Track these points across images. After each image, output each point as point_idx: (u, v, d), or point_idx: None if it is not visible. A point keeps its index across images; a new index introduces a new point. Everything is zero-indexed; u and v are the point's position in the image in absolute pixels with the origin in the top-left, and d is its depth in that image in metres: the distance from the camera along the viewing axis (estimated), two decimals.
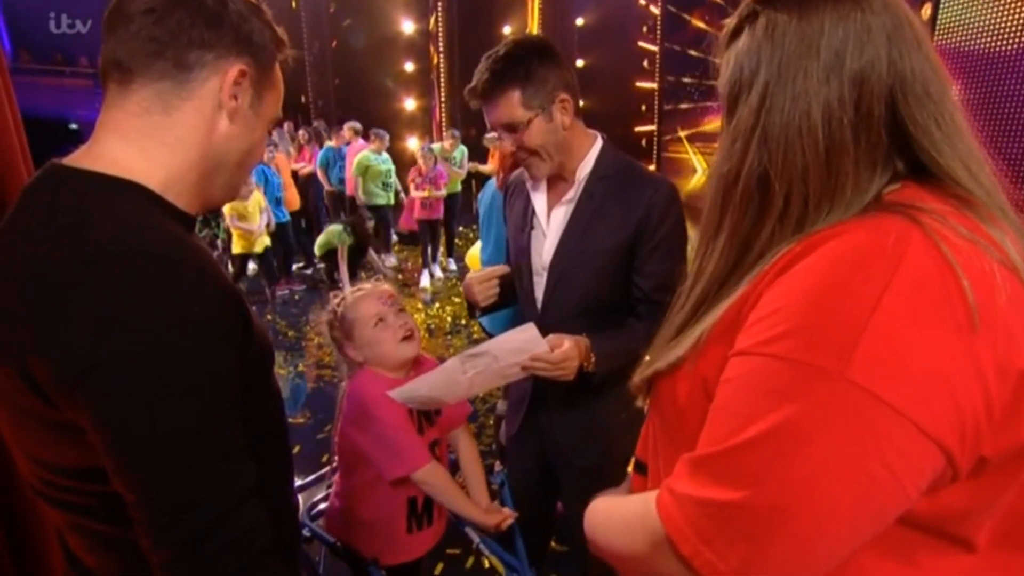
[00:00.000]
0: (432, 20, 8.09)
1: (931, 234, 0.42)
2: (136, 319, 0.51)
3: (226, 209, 4.63)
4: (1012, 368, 0.41)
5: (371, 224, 5.34)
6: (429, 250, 5.59)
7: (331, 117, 8.41)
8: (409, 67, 8.13)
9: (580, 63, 8.14)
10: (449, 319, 4.60)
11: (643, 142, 7.95)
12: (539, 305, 1.27)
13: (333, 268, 5.21)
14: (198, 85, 0.62)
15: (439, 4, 7.99)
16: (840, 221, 0.47)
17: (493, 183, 2.26)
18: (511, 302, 1.42)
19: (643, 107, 7.96)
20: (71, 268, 0.52)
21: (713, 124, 6.72)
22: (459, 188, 6.08)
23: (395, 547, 1.28)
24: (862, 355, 0.39)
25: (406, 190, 5.75)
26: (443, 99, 8.22)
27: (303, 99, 8.96)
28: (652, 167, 7.31)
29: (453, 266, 5.99)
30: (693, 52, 6.75)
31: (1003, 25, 2.60)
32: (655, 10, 7.49)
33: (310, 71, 8.88)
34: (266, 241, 4.93)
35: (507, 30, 8.46)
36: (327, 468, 1.53)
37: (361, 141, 6.02)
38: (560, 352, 1.08)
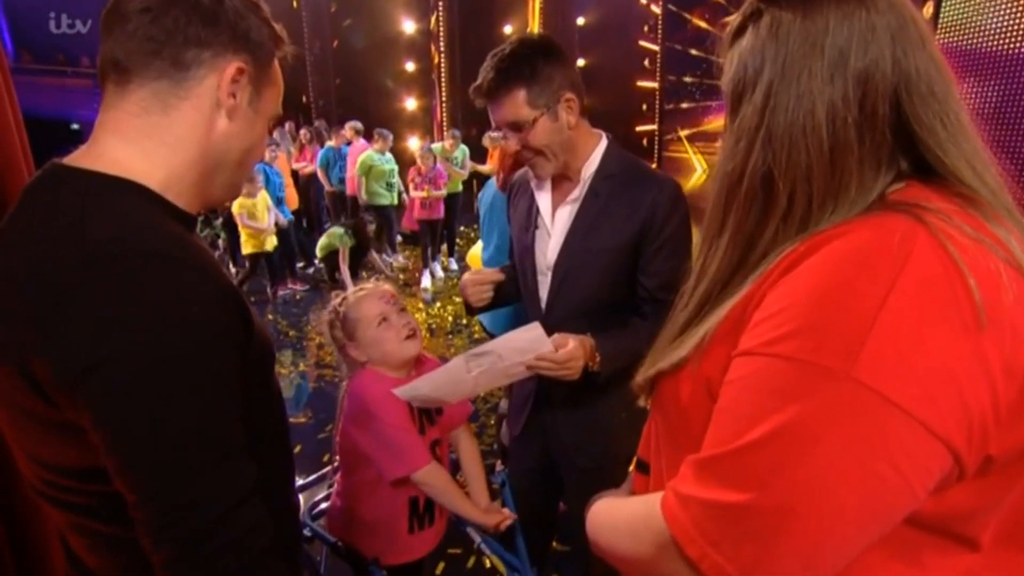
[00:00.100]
0: (433, 19, 8.09)
1: (937, 233, 0.42)
2: (137, 319, 0.51)
3: (235, 208, 4.64)
4: (1019, 367, 0.40)
5: (372, 227, 5.32)
6: (429, 250, 5.59)
7: (332, 117, 8.42)
8: (410, 67, 8.13)
9: (581, 62, 8.13)
10: (450, 319, 4.60)
11: (644, 141, 7.94)
12: (543, 304, 1.26)
13: (334, 268, 5.22)
14: (196, 83, 0.61)
15: (440, 4, 7.99)
16: (844, 220, 0.47)
17: (494, 183, 2.25)
18: (507, 302, 1.42)
19: (644, 106, 7.95)
20: (72, 268, 0.52)
21: (714, 124, 6.71)
22: (460, 188, 6.08)
23: (397, 547, 1.28)
24: (869, 355, 0.39)
25: (408, 190, 5.76)
26: (444, 99, 8.23)
27: (304, 99, 8.97)
28: (653, 166, 7.28)
29: (454, 266, 5.99)
30: (694, 51, 6.74)
31: (1005, 24, 2.60)
32: (656, 9, 7.49)
33: (311, 71, 8.89)
34: (274, 240, 4.94)
35: (508, 29, 8.46)
36: (328, 468, 1.53)
37: (362, 141, 6.02)
38: (565, 352, 1.08)
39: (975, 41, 2.72)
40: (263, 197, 4.79)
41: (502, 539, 1.37)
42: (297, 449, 2.69)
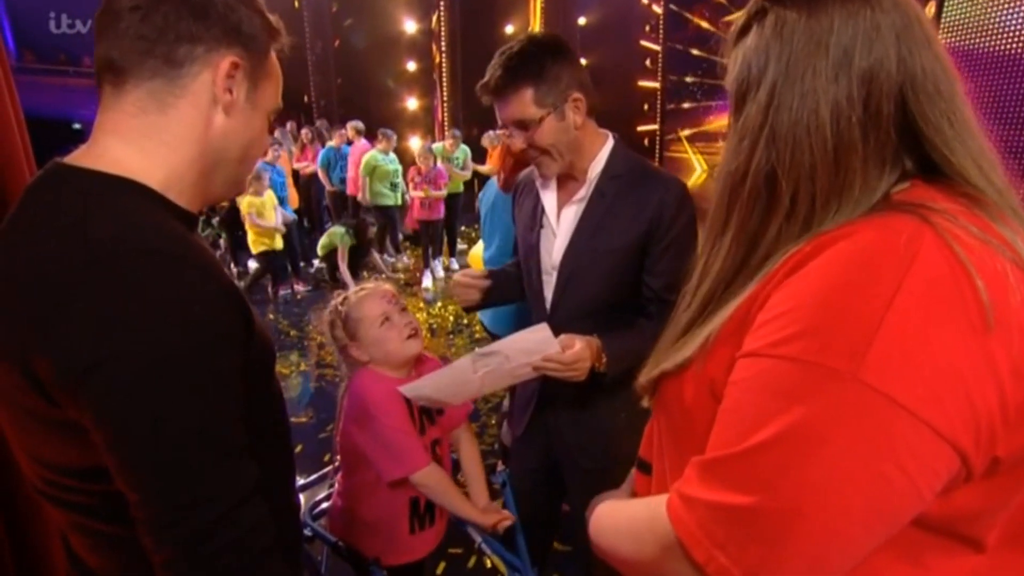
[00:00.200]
0: (434, 19, 8.10)
1: (943, 234, 0.42)
2: (138, 318, 0.51)
3: (244, 208, 4.65)
4: None
5: (374, 228, 5.32)
6: (430, 249, 5.59)
7: (334, 117, 8.43)
8: (411, 66, 8.14)
9: (583, 62, 8.10)
10: (451, 318, 4.60)
11: (645, 141, 7.93)
12: (548, 304, 1.26)
13: (335, 268, 5.22)
14: (190, 80, 0.61)
15: (441, 3, 7.99)
16: (849, 221, 0.47)
17: (495, 183, 2.25)
18: (507, 300, 1.41)
19: (645, 106, 7.94)
20: (74, 267, 0.52)
21: (715, 124, 6.71)
22: (461, 188, 6.08)
23: (397, 547, 1.28)
24: (875, 356, 0.39)
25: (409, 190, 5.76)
26: (445, 98, 8.23)
27: (306, 98, 8.98)
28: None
29: (455, 266, 5.99)
30: (696, 51, 6.74)
31: (1008, 23, 2.59)
32: (657, 9, 7.48)
33: (312, 70, 8.90)
34: (280, 239, 4.96)
35: (510, 29, 8.46)
36: (329, 467, 1.53)
37: (363, 141, 6.02)
38: (572, 353, 1.07)
39: (978, 41, 2.71)
40: (270, 196, 4.81)
41: (503, 539, 1.37)
42: (298, 449, 2.69)
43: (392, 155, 5.63)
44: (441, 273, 5.67)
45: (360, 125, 6.13)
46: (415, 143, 7.52)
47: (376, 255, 5.67)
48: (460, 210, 6.12)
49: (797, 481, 0.40)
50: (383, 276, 5.50)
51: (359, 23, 8.29)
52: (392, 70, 8.18)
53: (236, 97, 0.64)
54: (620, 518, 0.56)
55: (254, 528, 0.57)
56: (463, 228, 6.79)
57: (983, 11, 2.71)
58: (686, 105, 7.15)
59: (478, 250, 2.80)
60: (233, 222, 5.48)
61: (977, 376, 0.39)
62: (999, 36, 2.63)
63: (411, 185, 5.43)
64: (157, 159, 0.61)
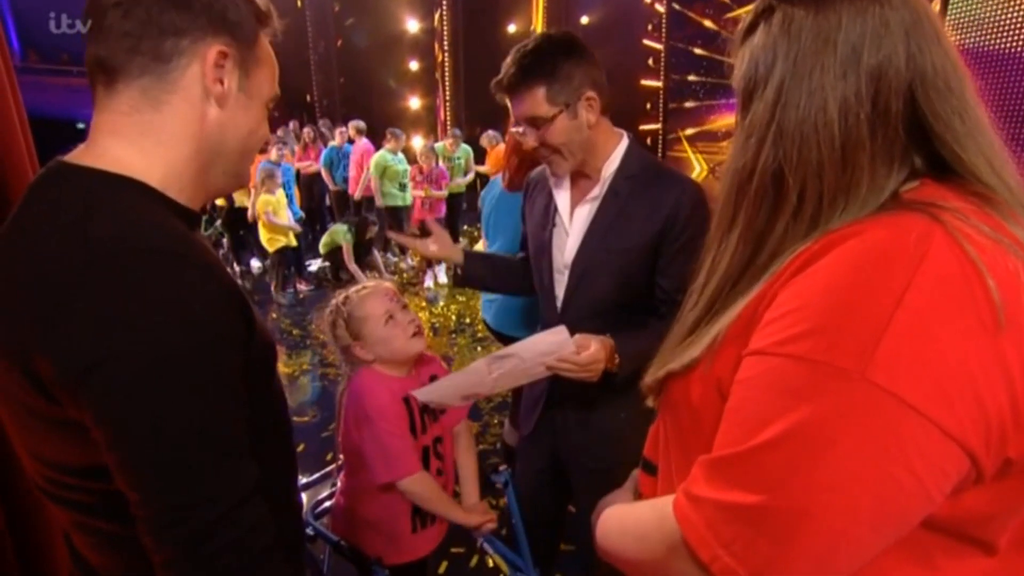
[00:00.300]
0: (437, 18, 8.10)
1: (953, 232, 0.41)
2: (139, 317, 0.51)
3: (259, 207, 4.66)
4: None
5: (375, 228, 5.32)
6: None
7: (336, 116, 8.45)
8: (414, 65, 8.14)
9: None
10: (453, 318, 4.60)
11: (648, 140, 7.92)
12: (559, 303, 1.26)
13: (337, 267, 5.23)
14: (180, 75, 0.60)
15: (443, 2, 8.00)
16: (857, 219, 0.46)
17: (498, 182, 2.24)
18: (496, 289, 1.40)
19: (648, 105, 7.93)
20: (75, 266, 0.52)
21: (718, 123, 6.71)
22: (463, 188, 6.08)
23: (400, 546, 1.28)
24: (883, 355, 0.38)
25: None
26: (448, 97, 8.23)
27: (308, 98, 8.99)
28: None
29: None
30: (698, 50, 6.73)
31: (1012, 22, 2.58)
32: (660, 8, 7.47)
33: (315, 70, 8.91)
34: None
35: (512, 28, 8.46)
36: (332, 466, 1.53)
37: (364, 140, 6.02)
38: (588, 354, 1.07)
39: (982, 39, 2.70)
40: (281, 194, 4.82)
41: (505, 538, 1.37)
42: (300, 448, 2.69)
43: (400, 155, 5.62)
44: (443, 279, 5.63)
45: (361, 124, 6.13)
46: (417, 142, 7.53)
47: (378, 254, 5.67)
48: (462, 209, 6.12)
49: (804, 481, 0.40)
50: (375, 275, 5.49)
51: (361, 22, 8.30)
52: (394, 69, 8.19)
53: (228, 87, 0.62)
54: (627, 520, 0.56)
55: (254, 528, 0.56)
56: (465, 227, 6.78)
57: (988, 9, 2.70)
58: (689, 104, 7.14)
59: (480, 249, 2.79)
60: (235, 222, 5.49)
61: (987, 376, 0.39)
62: (1004, 34, 2.62)
63: (412, 184, 5.42)
64: (155, 157, 0.60)
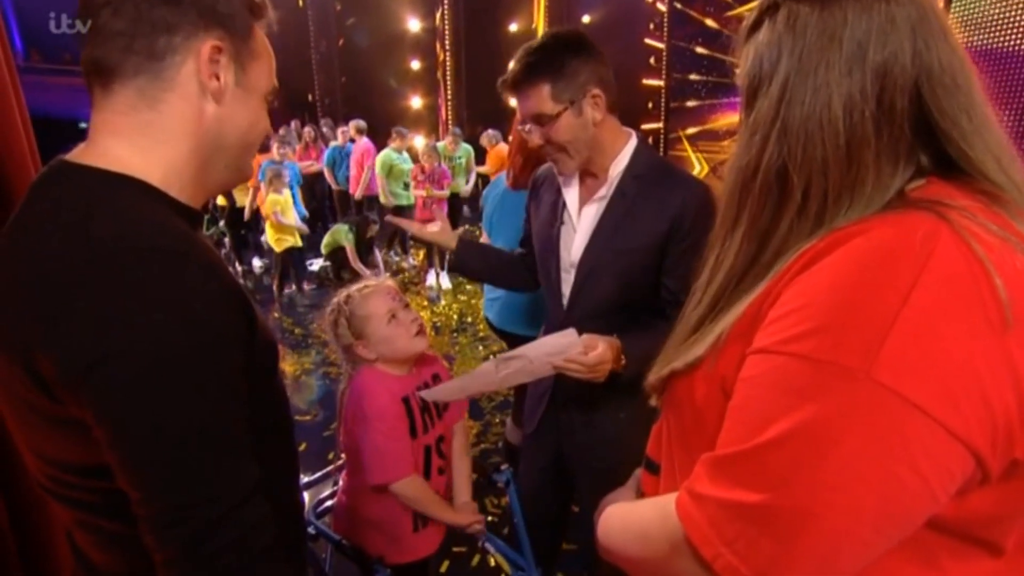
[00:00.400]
0: (438, 17, 8.10)
1: (960, 230, 0.41)
2: (140, 316, 0.51)
3: (267, 207, 4.66)
4: None
5: (375, 227, 5.31)
6: (434, 248, 5.56)
7: (337, 115, 8.45)
8: (415, 65, 8.14)
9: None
10: (455, 317, 4.60)
11: (649, 140, 7.93)
12: (565, 301, 1.26)
13: (339, 267, 5.23)
14: (175, 72, 0.59)
15: (445, 1, 7.99)
16: (862, 218, 0.46)
17: (502, 180, 2.23)
18: (493, 281, 1.39)
19: (650, 104, 7.93)
20: (77, 265, 0.52)
21: (720, 121, 6.70)
22: (460, 188, 6.06)
23: (401, 545, 1.28)
24: (888, 354, 0.38)
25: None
26: (449, 96, 8.23)
27: (310, 97, 9.00)
28: None
29: None
30: (700, 49, 6.72)
31: (1015, 19, 2.57)
32: (662, 7, 7.46)
33: (316, 69, 8.92)
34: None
35: (513, 27, 8.45)
36: (333, 466, 1.53)
37: (365, 139, 6.02)
38: (595, 355, 1.07)
39: (985, 37, 2.69)
40: (288, 194, 4.82)
41: (507, 537, 1.37)
42: (302, 447, 2.69)
43: (405, 154, 5.61)
44: (446, 283, 5.61)
45: (362, 124, 6.12)
46: (419, 141, 7.52)
47: (379, 254, 5.66)
48: (462, 211, 6.10)
49: (808, 480, 0.40)
50: (372, 274, 5.49)
51: (363, 22, 8.30)
52: (396, 69, 8.20)
53: (224, 82, 0.62)
54: (629, 518, 0.56)
55: (255, 527, 0.56)
56: (467, 226, 6.78)
57: (990, 6, 2.69)
58: (690, 103, 7.14)
59: None
60: (236, 221, 5.49)
61: (994, 375, 0.38)
62: (1006, 32, 2.61)
63: (414, 184, 5.41)
64: (155, 156, 0.60)
